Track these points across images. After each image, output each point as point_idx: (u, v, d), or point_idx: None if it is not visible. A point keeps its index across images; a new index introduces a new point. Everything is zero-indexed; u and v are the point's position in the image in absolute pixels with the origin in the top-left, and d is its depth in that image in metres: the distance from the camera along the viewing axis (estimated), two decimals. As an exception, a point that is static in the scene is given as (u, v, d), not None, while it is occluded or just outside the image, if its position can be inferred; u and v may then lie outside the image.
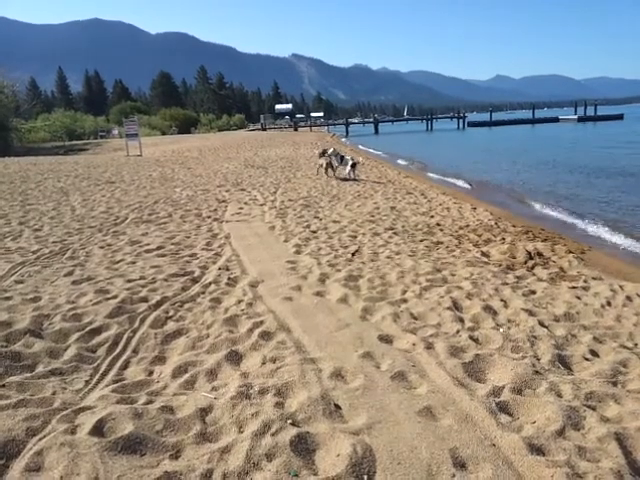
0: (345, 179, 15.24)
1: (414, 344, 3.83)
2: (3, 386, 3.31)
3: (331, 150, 16.62)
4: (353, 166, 15.76)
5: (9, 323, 4.26)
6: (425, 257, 6.57)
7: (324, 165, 15.92)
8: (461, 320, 4.36)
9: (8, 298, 4.93)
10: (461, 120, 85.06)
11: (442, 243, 7.46)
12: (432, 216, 9.62)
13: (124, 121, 34.47)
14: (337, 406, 2.99)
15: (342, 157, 16.43)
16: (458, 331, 4.13)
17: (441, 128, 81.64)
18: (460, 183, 17.11)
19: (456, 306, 4.71)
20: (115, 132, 63.26)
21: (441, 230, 8.36)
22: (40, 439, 2.65)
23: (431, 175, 19.58)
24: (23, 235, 8.15)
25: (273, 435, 2.67)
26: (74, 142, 54.29)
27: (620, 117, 73.23)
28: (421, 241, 7.56)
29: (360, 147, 39.54)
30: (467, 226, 8.73)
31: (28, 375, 3.49)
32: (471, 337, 3.98)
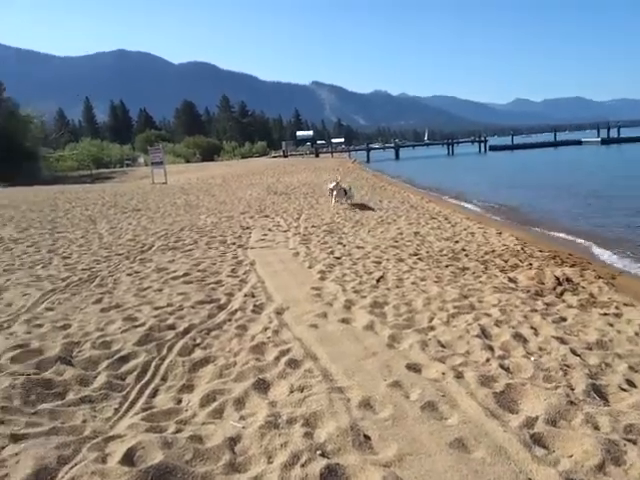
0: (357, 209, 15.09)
1: (443, 373, 3.77)
2: (35, 413, 3.34)
3: (333, 184, 15.61)
4: (345, 193, 15.31)
5: (40, 350, 4.32)
6: (451, 283, 6.50)
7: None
8: (490, 348, 4.29)
9: (39, 325, 5.01)
10: (482, 144, 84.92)
11: (468, 269, 7.38)
12: (457, 241, 9.56)
13: (149, 149, 35.16)
14: (367, 437, 2.95)
15: (345, 190, 15.46)
16: (488, 360, 4.05)
17: (462, 152, 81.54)
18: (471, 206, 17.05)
19: (485, 334, 4.63)
20: (141, 160, 64.54)
21: (466, 256, 8.28)
22: (71, 467, 2.66)
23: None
24: (52, 263, 8.29)
25: (303, 466, 2.64)
26: (101, 170, 55.52)
27: (645, 139, 72.12)
28: (446, 267, 7.49)
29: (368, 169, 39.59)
30: (493, 251, 8.64)
31: (59, 403, 3.51)
32: (501, 366, 3.90)
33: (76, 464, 2.68)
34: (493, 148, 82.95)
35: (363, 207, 14.84)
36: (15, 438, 2.96)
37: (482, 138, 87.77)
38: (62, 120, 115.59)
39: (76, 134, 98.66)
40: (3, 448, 2.85)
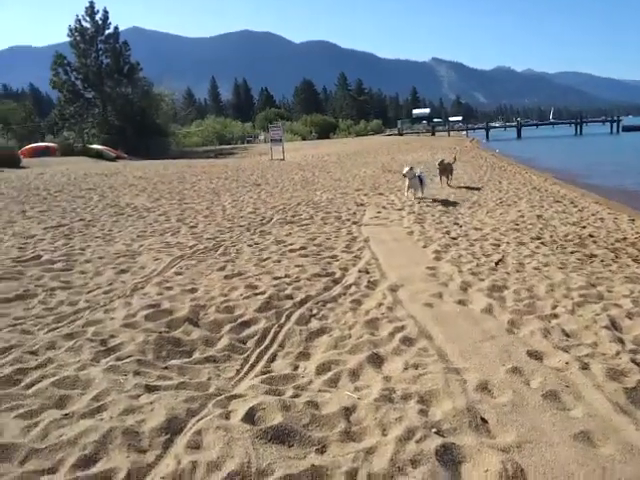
0: (474, 189, 14.42)
1: (567, 363, 3.57)
2: (166, 368, 3.64)
3: (406, 169, 12.09)
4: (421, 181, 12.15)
5: (171, 311, 4.67)
6: (577, 270, 6.11)
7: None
8: (621, 341, 3.98)
9: (169, 288, 5.41)
10: (615, 124, 78.33)
11: (596, 256, 6.90)
12: (584, 226, 8.94)
13: (270, 126, 36.29)
14: (484, 420, 2.88)
15: (421, 178, 12.18)
16: (618, 353, 3.77)
17: (591, 133, 75.70)
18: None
19: (615, 325, 4.31)
20: (261, 137, 66.88)
21: (594, 242, 7.73)
22: (198, 420, 2.86)
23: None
24: (181, 231, 8.87)
25: (417, 442, 2.64)
26: (223, 146, 58.23)
27: None
28: (572, 253, 7.05)
29: (497, 151, 37.76)
30: (624, 239, 7.98)
31: (186, 360, 3.79)
32: (633, 361, 3.61)
33: (202, 418, 2.88)
34: (627, 129, 76.13)
35: (480, 189, 14.31)
36: (149, 389, 3.25)
37: (615, 117, 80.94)
38: (190, 98, 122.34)
39: (202, 111, 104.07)
40: (139, 396, 3.14)
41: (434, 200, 12.02)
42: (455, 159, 15.98)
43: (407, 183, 12.08)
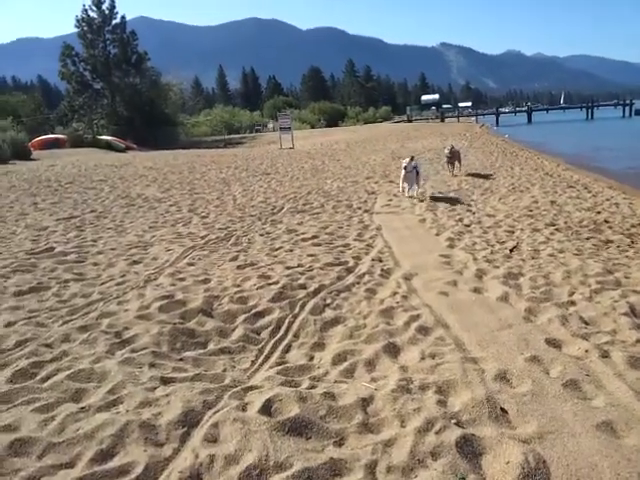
0: (486, 176, 14.23)
1: (587, 351, 3.52)
2: (181, 360, 3.62)
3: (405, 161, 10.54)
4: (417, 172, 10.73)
5: (184, 302, 4.65)
6: (593, 257, 6.03)
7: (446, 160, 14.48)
8: (641, 328, 3.93)
9: (182, 279, 5.39)
10: (627, 107, 77.29)
11: (612, 242, 6.81)
12: (599, 212, 8.82)
13: (278, 115, 36.14)
14: (503, 410, 2.84)
15: (417, 170, 10.68)
16: (638, 340, 3.72)
17: (603, 117, 74.73)
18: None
19: (634, 312, 4.24)
20: (270, 126, 66.69)
21: (610, 228, 7.63)
22: (215, 412, 2.84)
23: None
24: (192, 221, 8.86)
25: (437, 433, 2.60)
26: (232, 136, 58.06)
27: None
28: (587, 239, 6.96)
29: (507, 136, 37.35)
30: (641, 224, 7.87)
31: (201, 351, 3.77)
32: (655, 348, 3.56)
33: (219, 410, 2.86)
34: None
35: (492, 175, 14.15)
36: (164, 381, 3.24)
37: (627, 101, 79.88)
38: (198, 87, 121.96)
39: (210, 101, 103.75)
40: (155, 389, 3.12)
41: (446, 188, 11.91)
42: (459, 153, 15.26)
43: (402, 175, 10.64)
